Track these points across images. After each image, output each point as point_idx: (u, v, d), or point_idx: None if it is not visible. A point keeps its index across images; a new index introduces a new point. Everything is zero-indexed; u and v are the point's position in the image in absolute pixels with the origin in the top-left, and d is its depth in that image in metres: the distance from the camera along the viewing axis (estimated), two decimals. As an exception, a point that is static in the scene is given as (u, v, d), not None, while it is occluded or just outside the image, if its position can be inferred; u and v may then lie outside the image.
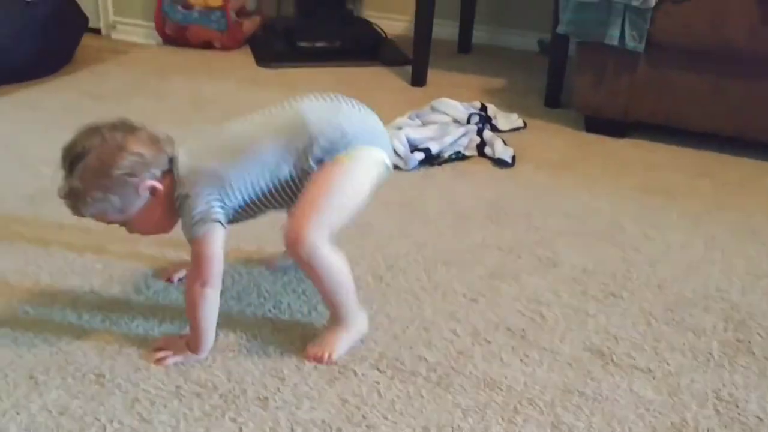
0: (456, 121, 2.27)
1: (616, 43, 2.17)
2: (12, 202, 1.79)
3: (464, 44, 3.25)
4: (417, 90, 2.75)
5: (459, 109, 2.32)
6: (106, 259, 1.55)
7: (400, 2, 3.24)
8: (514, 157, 2.11)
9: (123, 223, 1.28)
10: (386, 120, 2.18)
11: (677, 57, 2.19)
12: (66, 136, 1.28)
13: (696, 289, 1.52)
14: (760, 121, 2.16)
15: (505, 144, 2.17)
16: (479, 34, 3.29)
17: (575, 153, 2.23)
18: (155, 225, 1.29)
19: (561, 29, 2.27)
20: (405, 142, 2.07)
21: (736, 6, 2.06)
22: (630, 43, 2.16)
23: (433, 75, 2.81)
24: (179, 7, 3.09)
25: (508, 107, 2.49)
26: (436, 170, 2.06)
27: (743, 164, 2.18)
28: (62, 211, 1.73)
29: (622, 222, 1.81)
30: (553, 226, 1.77)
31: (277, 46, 3.04)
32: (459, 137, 2.16)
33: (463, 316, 1.40)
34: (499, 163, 2.10)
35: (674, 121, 2.28)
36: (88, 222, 1.69)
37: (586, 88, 2.33)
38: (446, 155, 2.10)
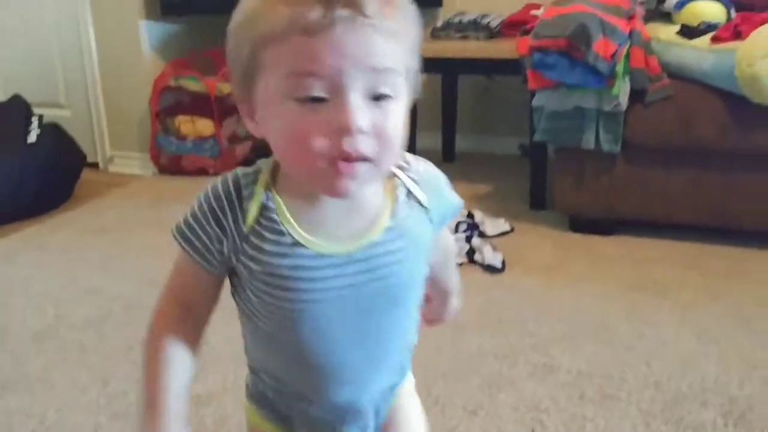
0: (446, 230, 2.34)
1: (592, 147, 2.27)
2: (17, 340, 1.83)
3: (448, 153, 3.36)
4: (407, 201, 2.83)
5: (448, 218, 2.39)
6: (109, 394, 1.57)
7: (385, 118, 3.37)
8: (504, 262, 2.17)
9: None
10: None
11: (653, 156, 2.28)
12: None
13: (693, 385, 1.54)
14: (738, 211, 2.23)
15: (494, 249, 2.23)
16: (462, 143, 3.41)
17: (563, 254, 2.29)
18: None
19: (537, 137, 2.38)
20: (397, 255, 2.12)
21: (704, 106, 2.17)
22: (606, 146, 2.26)
23: (421, 185, 2.90)
24: (173, 139, 3.22)
25: (495, 212, 2.57)
26: (429, 281, 2.11)
27: (728, 253, 2.24)
28: (66, 348, 1.78)
29: (614, 321, 1.84)
30: (546, 330, 1.80)
31: (269, 168, 3.15)
32: (449, 247, 2.22)
33: (465, 429, 1.41)
34: (490, 269, 2.15)
35: (656, 216, 2.35)
36: (91, 358, 1.72)
37: (567, 191, 2.42)
38: (438, 265, 2.15)
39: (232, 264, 0.74)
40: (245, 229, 0.72)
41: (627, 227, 2.42)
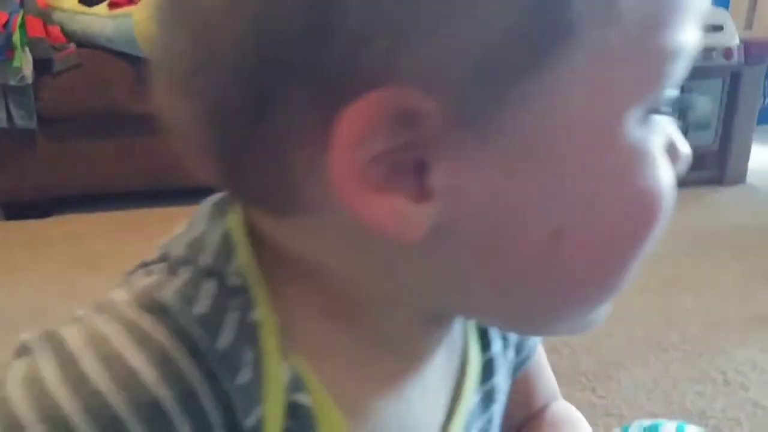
0: None
1: (5, 125, 2.10)
2: None
3: None
4: None
5: None
6: None
7: None
8: None
9: None
10: None
11: (74, 127, 2.21)
12: None
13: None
14: (163, 171, 2.26)
15: None
16: None
17: (-4, 245, 2.10)
18: None
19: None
20: None
21: (114, 71, 2.16)
22: (20, 122, 2.11)
23: None
24: None
25: None
26: None
27: (164, 214, 2.29)
28: None
29: (50, 304, 1.74)
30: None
31: None
32: None
33: None
34: None
35: (92, 188, 2.30)
36: None
37: (-9, 176, 2.22)
38: None
39: None
40: None
41: (67, 205, 2.32)
